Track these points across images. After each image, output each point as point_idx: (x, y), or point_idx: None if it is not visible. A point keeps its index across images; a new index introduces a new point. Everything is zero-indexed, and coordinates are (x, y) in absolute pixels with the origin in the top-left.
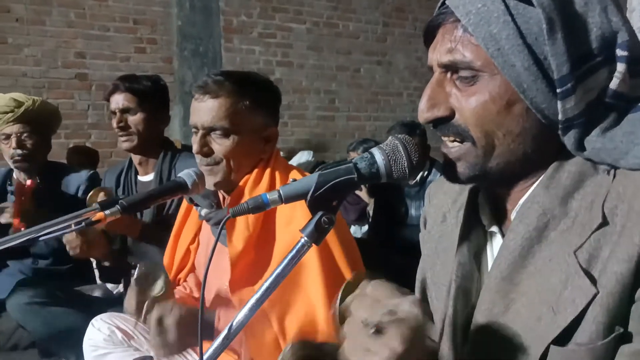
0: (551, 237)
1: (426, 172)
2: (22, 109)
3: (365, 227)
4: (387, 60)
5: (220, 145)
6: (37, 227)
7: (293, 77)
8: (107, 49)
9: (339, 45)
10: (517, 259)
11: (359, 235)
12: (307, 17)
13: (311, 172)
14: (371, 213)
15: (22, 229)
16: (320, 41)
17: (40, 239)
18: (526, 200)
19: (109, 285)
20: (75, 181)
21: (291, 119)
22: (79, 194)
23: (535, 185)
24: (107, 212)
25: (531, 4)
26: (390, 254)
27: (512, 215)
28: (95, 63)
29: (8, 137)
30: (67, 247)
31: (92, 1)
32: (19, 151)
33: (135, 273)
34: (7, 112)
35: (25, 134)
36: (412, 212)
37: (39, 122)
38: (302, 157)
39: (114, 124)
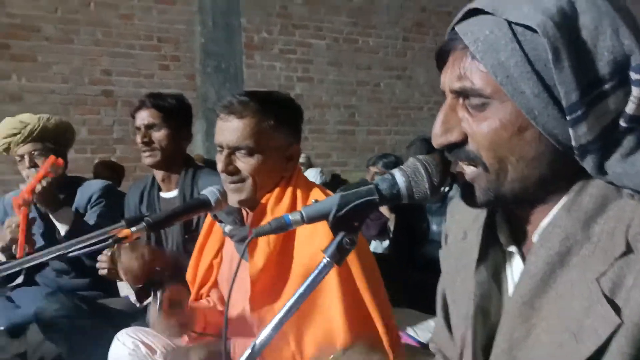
0: (573, 262)
1: (447, 188)
2: (28, 128)
3: (386, 243)
4: (408, 75)
5: (245, 163)
6: (67, 243)
7: (313, 93)
8: (132, 66)
9: (359, 61)
10: (538, 283)
11: (380, 250)
12: (327, 33)
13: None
14: (392, 228)
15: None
16: (340, 57)
17: (69, 255)
18: (548, 223)
19: (132, 298)
20: (88, 190)
21: (312, 134)
22: (90, 203)
23: (557, 208)
24: (134, 229)
25: (537, 32)
26: (411, 270)
27: (534, 238)
28: (121, 80)
29: (22, 157)
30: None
31: (118, 20)
32: (32, 170)
33: (161, 297)
34: (15, 134)
35: (36, 153)
36: (434, 228)
37: (49, 140)
38: (309, 175)
39: (138, 139)
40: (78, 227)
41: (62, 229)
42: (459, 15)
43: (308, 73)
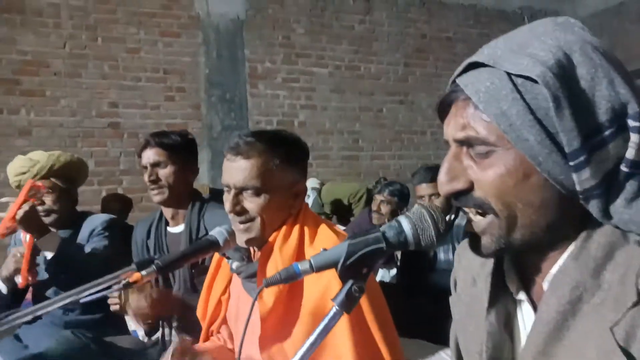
0: (585, 310)
1: (452, 216)
2: (37, 167)
3: (394, 271)
4: (410, 100)
5: (252, 203)
6: (79, 288)
7: (317, 119)
8: (138, 98)
9: (361, 87)
10: (551, 332)
11: (387, 279)
12: (329, 62)
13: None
14: (399, 257)
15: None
16: (342, 84)
17: (82, 300)
18: (557, 271)
19: (140, 334)
20: (91, 224)
21: (315, 160)
22: (92, 235)
23: (565, 255)
24: (144, 272)
25: (537, 82)
26: (419, 299)
27: (544, 286)
28: (127, 112)
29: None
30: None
31: (125, 54)
32: (40, 208)
33: (170, 350)
34: (24, 172)
35: (48, 190)
36: (441, 256)
37: (58, 177)
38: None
39: (146, 178)
40: (64, 253)
41: (48, 255)
42: (460, 69)
43: (311, 100)
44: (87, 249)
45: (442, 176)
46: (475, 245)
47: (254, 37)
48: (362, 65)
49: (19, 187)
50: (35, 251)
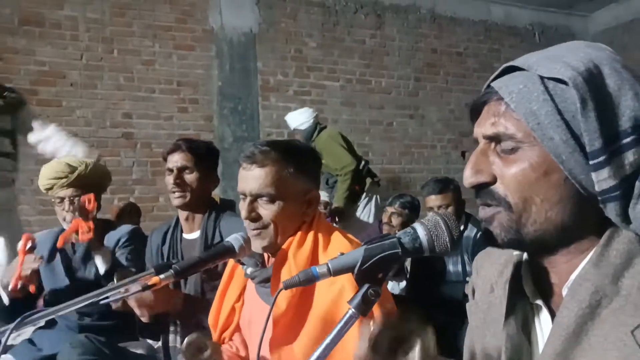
0: (604, 315)
1: (462, 227)
2: (76, 174)
3: (403, 283)
4: (420, 114)
5: (266, 210)
6: (99, 291)
7: None
8: (152, 109)
9: (371, 101)
10: (570, 336)
11: (397, 291)
12: (340, 75)
13: None
14: (409, 269)
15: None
16: (353, 97)
17: (102, 302)
18: (577, 276)
19: (151, 341)
20: (116, 234)
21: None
22: (119, 245)
23: (584, 262)
24: (162, 276)
25: (567, 84)
26: (429, 311)
27: (563, 292)
28: (141, 122)
29: (62, 200)
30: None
31: (140, 66)
32: (71, 214)
33: (184, 344)
34: (61, 178)
35: (77, 197)
36: (450, 267)
37: (90, 185)
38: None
39: (170, 181)
40: (115, 268)
41: (102, 268)
42: (496, 73)
43: (322, 113)
44: (118, 256)
45: (468, 169)
46: (488, 235)
47: (267, 50)
48: (372, 79)
49: (49, 189)
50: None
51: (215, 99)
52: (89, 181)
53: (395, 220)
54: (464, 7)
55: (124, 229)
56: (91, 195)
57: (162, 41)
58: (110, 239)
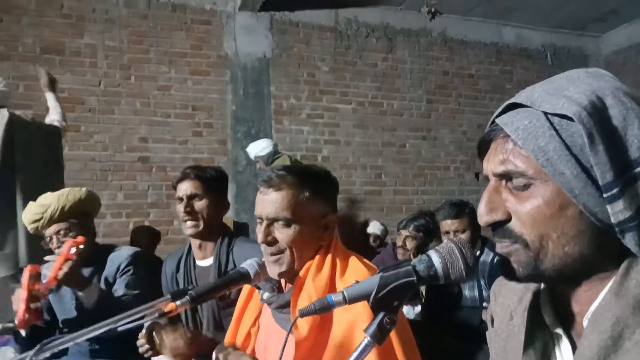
0: (627, 347)
1: (478, 251)
2: (49, 212)
3: (419, 308)
4: (433, 135)
5: (283, 234)
6: (115, 318)
7: (340, 154)
8: (167, 134)
9: (384, 123)
10: None
11: (411, 316)
12: (352, 98)
13: None
14: (424, 293)
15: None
16: (365, 119)
17: (119, 329)
18: (597, 307)
19: None
20: (117, 259)
21: (339, 194)
22: (119, 271)
23: (605, 291)
24: (178, 302)
25: (572, 120)
26: (445, 337)
27: (584, 322)
28: (156, 147)
29: (51, 238)
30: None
31: (157, 91)
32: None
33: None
34: (38, 220)
35: (62, 232)
36: (466, 293)
37: (73, 215)
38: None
39: (181, 209)
40: (105, 304)
41: (88, 304)
42: (499, 109)
43: (335, 136)
44: (119, 287)
45: (482, 207)
46: (507, 270)
47: (280, 75)
48: (385, 102)
49: (36, 231)
50: (38, 295)
51: (230, 123)
52: (70, 212)
53: (410, 244)
54: (475, 30)
55: (124, 253)
56: (77, 239)
57: (178, 67)
58: (112, 264)
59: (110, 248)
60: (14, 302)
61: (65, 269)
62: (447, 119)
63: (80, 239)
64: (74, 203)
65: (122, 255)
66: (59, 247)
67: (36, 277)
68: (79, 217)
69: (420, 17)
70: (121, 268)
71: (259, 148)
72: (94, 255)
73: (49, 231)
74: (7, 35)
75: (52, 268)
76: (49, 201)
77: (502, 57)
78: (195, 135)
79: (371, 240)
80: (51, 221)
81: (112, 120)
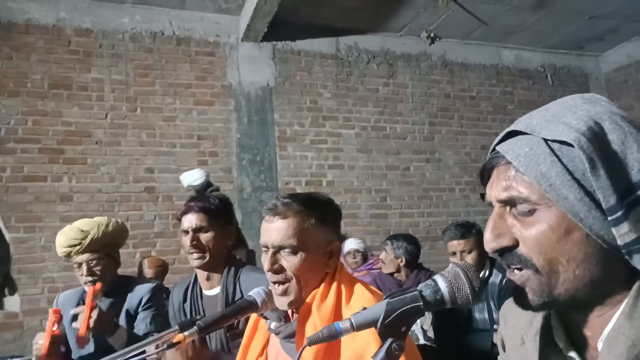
0: None
1: (487, 272)
2: (89, 239)
3: (431, 332)
4: (437, 158)
5: (288, 262)
6: (125, 350)
7: (344, 179)
8: (173, 163)
9: (387, 146)
10: None
11: (422, 340)
12: (355, 123)
13: None
14: (432, 317)
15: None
16: (369, 144)
17: None
18: (612, 330)
19: None
20: (138, 294)
21: (344, 219)
22: (141, 305)
23: (618, 314)
24: (186, 333)
25: (572, 145)
26: None
27: (599, 346)
28: (162, 177)
29: (80, 265)
30: None
31: (162, 122)
32: (90, 278)
33: None
34: (75, 245)
35: (94, 261)
36: (476, 315)
37: (106, 245)
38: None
39: (187, 242)
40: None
41: (119, 348)
42: (499, 137)
43: (339, 160)
44: (142, 322)
45: (488, 234)
46: (520, 300)
47: (283, 102)
48: (387, 126)
49: (68, 256)
50: (59, 339)
51: (234, 151)
52: (104, 242)
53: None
54: (475, 53)
55: (145, 288)
56: (96, 287)
57: (183, 98)
58: (133, 298)
59: (127, 279)
60: (34, 345)
61: (94, 316)
62: (450, 140)
63: (98, 285)
64: (110, 233)
65: (143, 289)
66: (88, 276)
67: (99, 294)
68: (110, 247)
69: (420, 42)
70: (143, 302)
71: (192, 178)
72: (114, 286)
73: (81, 258)
74: (16, 73)
75: (82, 320)
76: (89, 228)
77: (502, 79)
78: (200, 164)
79: (350, 258)
80: (87, 248)
81: (119, 151)
